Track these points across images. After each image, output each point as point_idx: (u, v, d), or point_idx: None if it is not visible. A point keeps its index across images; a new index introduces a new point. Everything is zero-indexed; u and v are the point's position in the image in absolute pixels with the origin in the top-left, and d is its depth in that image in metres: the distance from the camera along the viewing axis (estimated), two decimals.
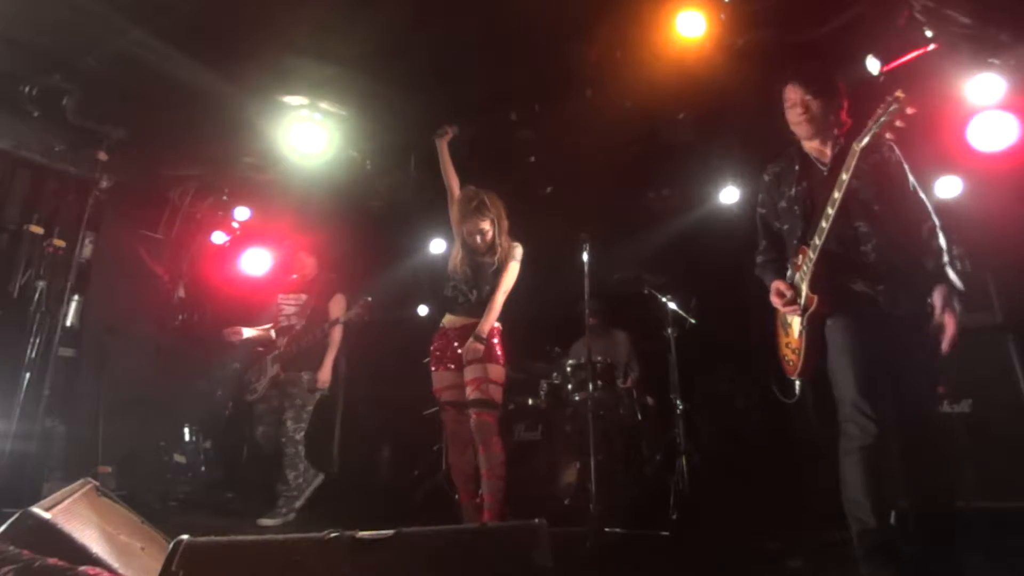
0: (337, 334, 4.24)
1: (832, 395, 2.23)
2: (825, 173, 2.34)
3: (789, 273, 2.41)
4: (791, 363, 2.38)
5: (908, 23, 3.40)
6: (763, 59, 3.58)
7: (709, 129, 4.59)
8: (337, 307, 4.29)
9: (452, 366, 3.23)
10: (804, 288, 2.25)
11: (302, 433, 4.09)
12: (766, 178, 2.57)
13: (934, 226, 2.23)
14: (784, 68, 2.45)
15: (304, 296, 4.37)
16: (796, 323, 2.32)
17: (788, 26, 3.54)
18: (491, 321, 3.19)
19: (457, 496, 3.33)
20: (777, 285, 2.38)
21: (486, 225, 3.27)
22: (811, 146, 2.42)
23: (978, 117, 3.62)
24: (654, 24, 3.58)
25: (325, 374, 4.19)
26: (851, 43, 3.54)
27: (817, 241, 2.18)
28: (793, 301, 2.31)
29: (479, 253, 3.32)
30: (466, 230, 3.30)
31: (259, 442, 4.29)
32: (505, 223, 3.35)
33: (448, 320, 3.34)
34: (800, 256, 2.31)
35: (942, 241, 2.21)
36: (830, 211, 2.14)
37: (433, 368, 3.31)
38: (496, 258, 3.29)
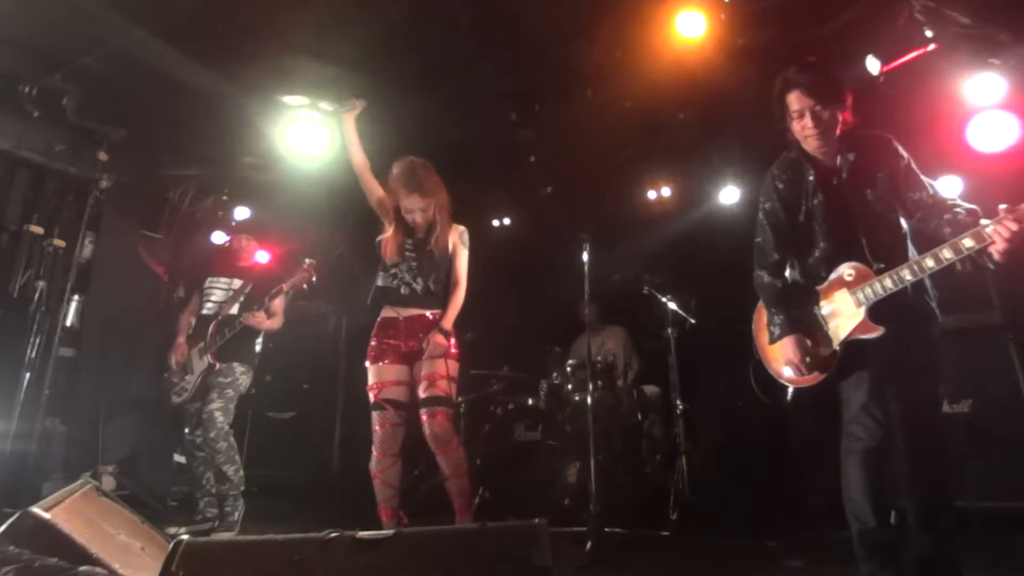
0: (279, 307, 3.89)
1: (831, 395, 2.23)
2: (836, 183, 2.26)
3: (827, 286, 2.24)
4: (802, 373, 2.23)
5: (908, 23, 3.40)
6: (763, 59, 3.57)
7: (709, 129, 4.59)
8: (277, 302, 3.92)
9: (393, 360, 2.93)
10: (862, 312, 2.13)
11: (229, 425, 3.73)
12: (779, 186, 2.37)
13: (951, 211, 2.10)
14: (785, 72, 2.29)
15: (238, 281, 4.00)
16: (832, 340, 2.20)
17: (788, 26, 3.54)
18: (453, 316, 2.98)
19: (386, 513, 2.87)
20: (798, 353, 2.21)
21: (423, 203, 2.96)
22: (817, 150, 2.30)
23: (978, 117, 3.62)
24: (654, 24, 3.58)
25: (267, 323, 3.82)
26: (851, 43, 3.54)
27: (908, 276, 2.05)
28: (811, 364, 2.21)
29: (418, 235, 3.04)
30: (403, 208, 3.00)
31: (189, 452, 3.82)
32: (444, 197, 3.04)
33: (388, 312, 3.02)
34: (851, 272, 2.17)
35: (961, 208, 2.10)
36: (947, 255, 1.98)
37: (371, 362, 2.96)
38: (437, 242, 3.00)
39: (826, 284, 2.25)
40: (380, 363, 2.94)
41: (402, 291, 3.00)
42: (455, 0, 3.55)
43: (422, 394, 2.86)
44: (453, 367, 2.93)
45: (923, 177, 2.22)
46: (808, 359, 2.20)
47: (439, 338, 2.89)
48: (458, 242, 3.09)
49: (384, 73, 4.06)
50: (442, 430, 2.82)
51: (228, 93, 4.18)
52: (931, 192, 2.17)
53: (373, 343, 3.00)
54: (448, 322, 2.96)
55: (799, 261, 2.37)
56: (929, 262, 2.02)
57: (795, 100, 2.24)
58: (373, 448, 2.88)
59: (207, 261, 4.49)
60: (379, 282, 3.07)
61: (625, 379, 4.74)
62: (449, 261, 3.07)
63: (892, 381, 2.13)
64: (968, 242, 1.94)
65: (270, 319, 3.90)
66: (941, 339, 2.22)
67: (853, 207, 2.23)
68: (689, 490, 3.85)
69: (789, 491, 3.80)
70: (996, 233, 1.89)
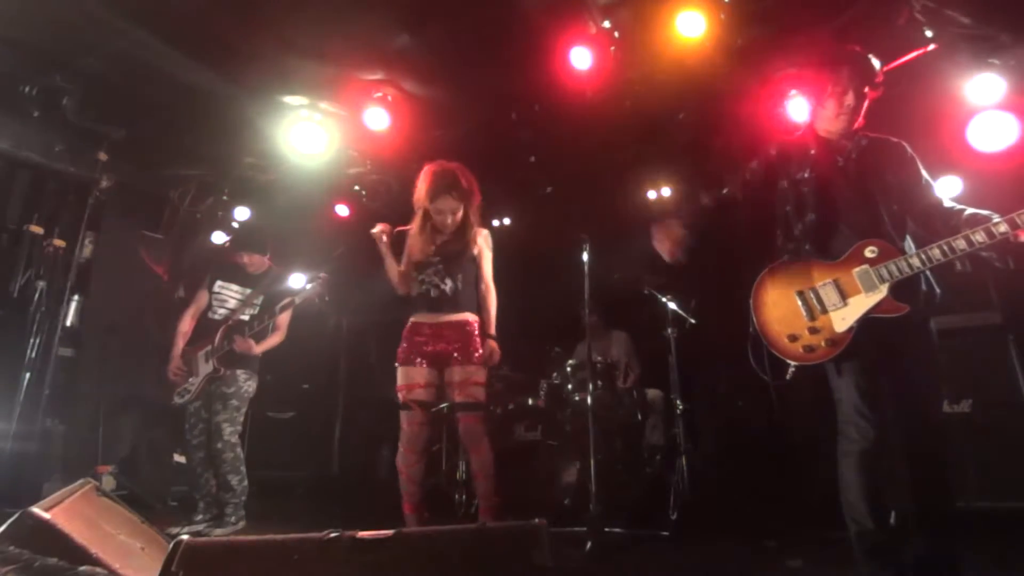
0: (285, 321, 3.93)
1: (832, 392, 2.23)
2: (841, 164, 2.29)
3: (845, 259, 2.20)
4: (812, 349, 2.17)
5: (908, 23, 3.40)
6: (763, 59, 3.58)
7: (709, 129, 4.59)
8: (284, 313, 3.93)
9: (423, 363, 2.96)
10: (885, 290, 2.11)
11: (238, 435, 3.80)
12: (771, 152, 2.46)
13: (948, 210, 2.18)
14: (828, 51, 2.34)
15: (249, 291, 4.01)
16: (848, 315, 2.15)
17: (788, 26, 3.55)
18: (494, 319, 3.08)
19: (408, 507, 2.97)
20: None
21: (456, 205, 2.99)
22: (838, 132, 2.32)
23: (978, 117, 3.62)
24: (654, 24, 3.58)
25: (258, 348, 3.84)
26: (851, 43, 3.53)
27: (939, 255, 2.05)
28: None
29: (445, 236, 3.06)
30: (434, 208, 3.00)
31: (189, 452, 3.85)
32: (477, 199, 3.07)
33: (420, 316, 3.05)
34: (874, 249, 2.15)
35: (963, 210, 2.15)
36: (979, 238, 2.01)
37: (400, 364, 3.01)
38: (466, 244, 3.05)
39: (844, 258, 2.20)
40: (409, 365, 2.99)
41: (432, 294, 3.02)
42: (455, 1, 3.55)
43: (458, 398, 2.94)
44: (480, 372, 2.99)
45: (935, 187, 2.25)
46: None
47: (494, 344, 3.02)
48: (482, 245, 3.14)
49: (384, 73, 4.07)
50: (475, 432, 2.94)
51: (229, 93, 4.19)
52: (943, 202, 2.22)
53: (404, 345, 3.04)
54: (492, 326, 3.07)
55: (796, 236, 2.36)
56: (961, 243, 2.04)
57: (844, 75, 2.27)
58: (400, 444, 2.98)
59: (216, 262, 4.39)
60: (412, 290, 3.12)
61: (624, 382, 4.74)
62: (474, 263, 3.12)
63: (891, 378, 2.13)
64: (1003, 227, 2.00)
65: (273, 334, 3.91)
66: (939, 338, 2.23)
67: (849, 191, 2.24)
68: (689, 490, 3.85)
69: (789, 491, 3.80)
70: None
